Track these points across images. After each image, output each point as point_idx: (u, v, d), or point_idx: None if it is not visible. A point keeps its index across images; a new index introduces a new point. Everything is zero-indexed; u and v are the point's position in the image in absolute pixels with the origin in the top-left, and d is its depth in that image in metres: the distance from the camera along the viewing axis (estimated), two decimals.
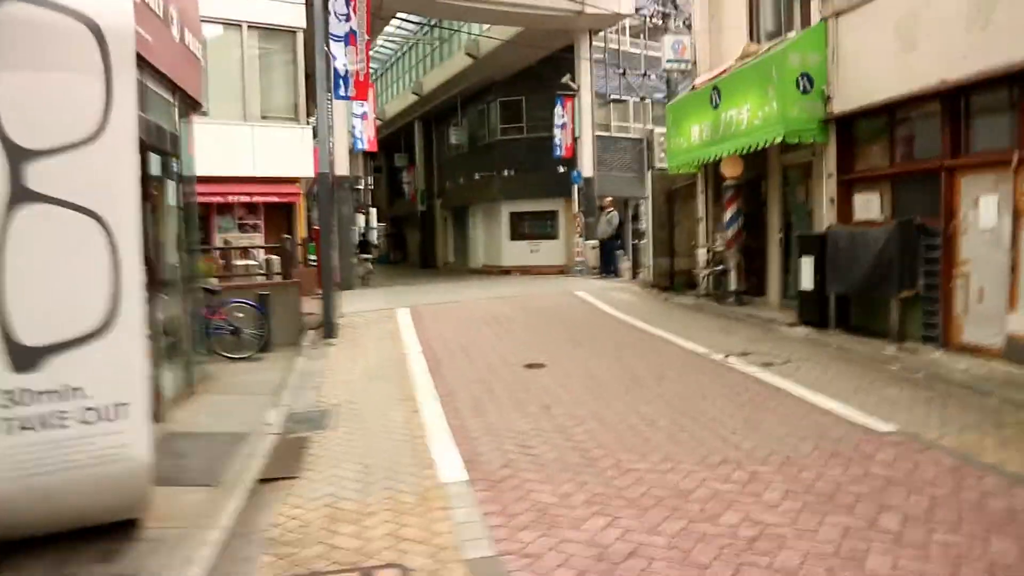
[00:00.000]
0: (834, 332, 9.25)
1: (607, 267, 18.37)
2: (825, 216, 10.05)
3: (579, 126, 21.01)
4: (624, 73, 23.42)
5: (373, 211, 29.56)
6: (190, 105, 7.36)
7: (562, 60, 24.13)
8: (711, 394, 6.53)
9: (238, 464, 4.90)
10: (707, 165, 13.34)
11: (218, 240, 14.85)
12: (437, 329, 10.26)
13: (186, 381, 6.99)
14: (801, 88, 9.78)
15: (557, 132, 21.07)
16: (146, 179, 5.27)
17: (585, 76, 20.75)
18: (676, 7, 21.33)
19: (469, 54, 24.06)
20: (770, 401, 6.27)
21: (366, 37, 11.43)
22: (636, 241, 18.40)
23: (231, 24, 14.94)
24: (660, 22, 20.80)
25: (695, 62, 13.97)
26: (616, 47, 24.53)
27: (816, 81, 9.77)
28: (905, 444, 4.95)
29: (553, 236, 25.34)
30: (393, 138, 37.27)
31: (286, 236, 10.46)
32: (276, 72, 15.73)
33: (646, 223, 23.64)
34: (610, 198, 18.84)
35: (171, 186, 6.72)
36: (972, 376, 6.71)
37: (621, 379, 7.20)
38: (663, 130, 26.89)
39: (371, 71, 37.86)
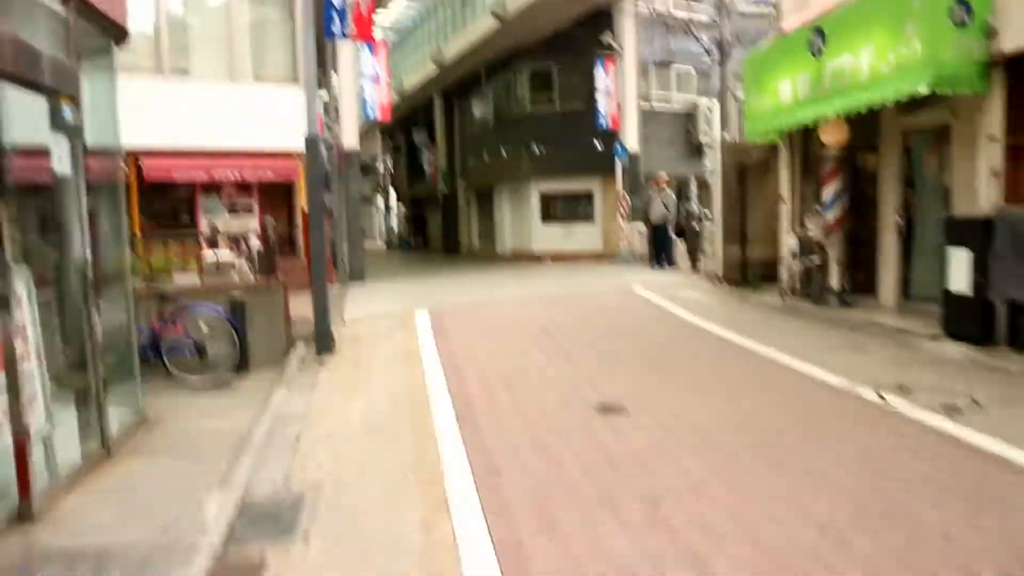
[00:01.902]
0: (1006, 352, 6.77)
1: (659, 256, 15.85)
2: (982, 194, 7.52)
3: (622, 93, 18.39)
4: (670, 31, 20.64)
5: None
6: (104, 29, 5.00)
7: (597, 23, 21.52)
8: (902, 472, 4.11)
9: None
10: (791, 133, 10.83)
11: (204, 226, 12.58)
12: (466, 344, 7.88)
13: (100, 436, 4.70)
14: (956, 19, 7.21)
15: (600, 99, 18.46)
16: None
17: (629, 35, 18.11)
18: None
19: (495, 15, 21.49)
20: (1017, 494, 3.83)
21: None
22: (693, 225, 15.88)
23: None
24: None
25: (778, 3, 11.37)
26: (656, 7, 21.89)
27: (977, 9, 7.21)
28: None
29: (589, 219, 22.86)
30: (412, 114, 34.85)
31: (267, 219, 8.07)
32: (271, 24, 13.33)
33: (699, 205, 21.18)
34: (664, 175, 16.26)
35: (62, 144, 4.37)
36: None
37: (747, 436, 4.79)
38: (708, 102, 24.48)
39: (388, 42, 35.46)
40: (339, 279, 14.40)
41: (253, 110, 12.59)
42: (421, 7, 30.74)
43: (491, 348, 7.71)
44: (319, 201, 7.16)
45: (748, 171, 12.31)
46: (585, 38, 22.04)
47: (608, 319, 9.21)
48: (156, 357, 6.88)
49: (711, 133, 23.35)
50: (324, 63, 15.24)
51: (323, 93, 16.16)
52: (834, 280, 9.79)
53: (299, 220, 13.85)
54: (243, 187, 13.17)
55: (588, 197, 22.81)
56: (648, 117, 21.38)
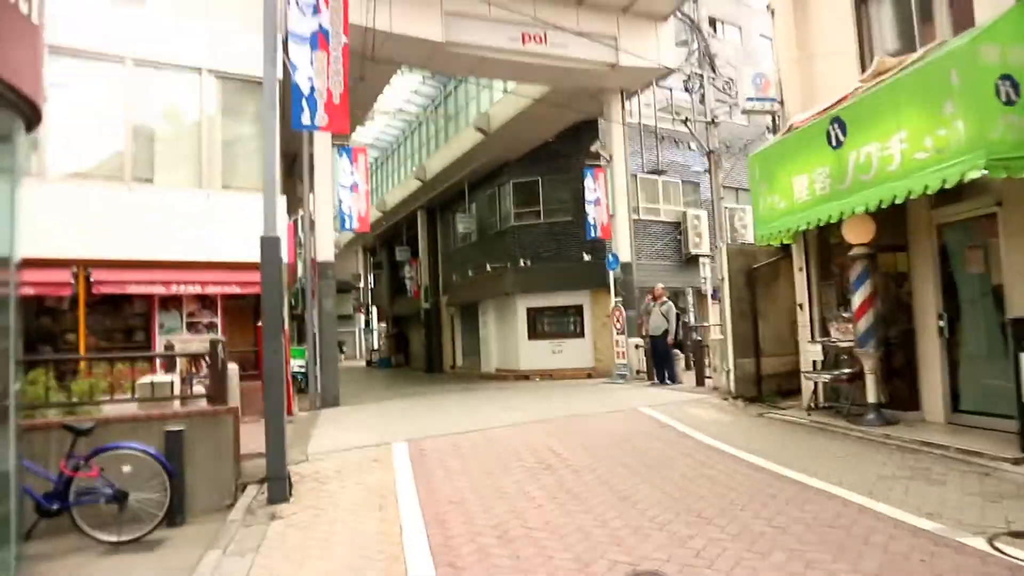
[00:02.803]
0: None
1: (661, 372, 14.62)
2: None
3: (612, 202, 17.75)
4: (661, 141, 20.33)
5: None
6: (7, 104, 3.97)
7: (582, 134, 21.32)
8: None
9: None
10: (807, 233, 9.95)
11: (159, 344, 11.27)
12: (453, 487, 6.40)
13: None
14: (1003, 97, 6.43)
15: (590, 210, 17.74)
16: None
17: (618, 144, 17.65)
18: (714, 70, 18.64)
19: (479, 129, 21.23)
20: None
21: (343, 39, 7.87)
22: (696, 338, 14.79)
23: (186, 69, 11.89)
24: (696, 86, 17.91)
25: (783, 100, 10.77)
26: (641, 121, 21.79)
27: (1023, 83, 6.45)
28: None
29: (578, 334, 21.75)
30: (394, 231, 34.36)
31: (214, 339, 6.81)
32: (244, 131, 12.58)
33: (694, 317, 20.18)
34: (661, 286, 15.30)
35: None
36: None
37: None
38: (697, 212, 24.09)
39: (371, 160, 35.45)
40: (310, 404, 13.00)
41: (219, 219, 11.61)
42: (403, 124, 30.83)
43: (483, 488, 6.28)
44: (276, 309, 5.94)
45: (757, 277, 11.35)
46: (570, 149, 21.77)
47: (619, 447, 7.83)
48: (63, 508, 5.45)
49: (702, 244, 22.87)
50: (298, 172, 14.48)
51: (300, 210, 15.34)
52: (871, 393, 8.59)
53: None
54: (206, 302, 11.98)
55: (577, 311, 21.81)
56: (638, 228, 20.77)
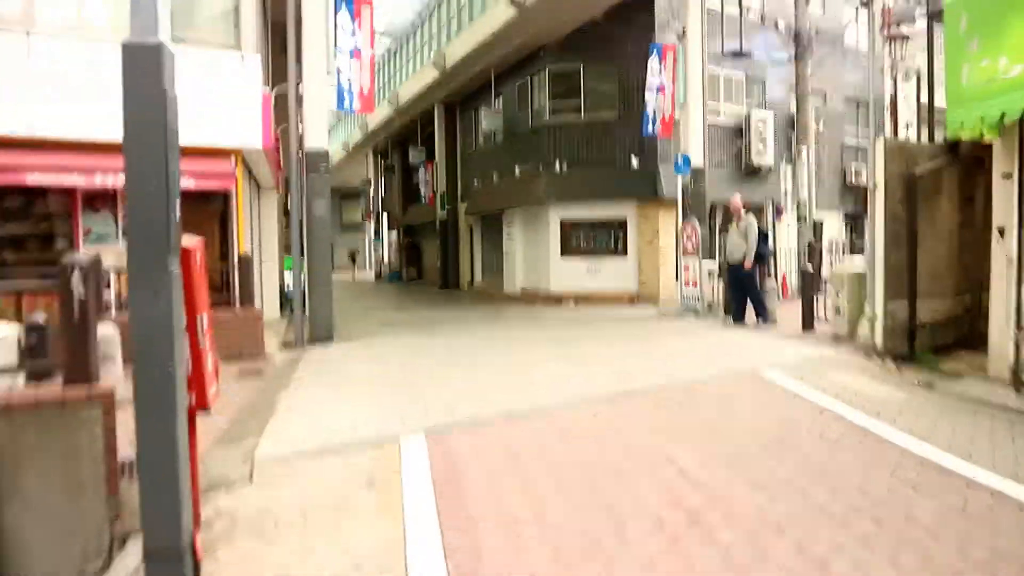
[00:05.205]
0: None
1: (741, 308, 11.45)
2: None
3: (684, 89, 14.13)
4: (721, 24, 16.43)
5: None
6: None
7: (632, 17, 17.47)
8: None
9: None
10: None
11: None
12: (516, 552, 3.46)
13: None
14: None
15: (651, 99, 14.10)
16: None
17: (694, 13, 13.85)
18: None
19: (514, 2, 17.37)
20: None
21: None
22: (806, 266, 11.53)
23: None
24: None
25: None
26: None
27: None
28: None
29: (620, 253, 18.55)
30: (409, 130, 30.69)
31: (65, 261, 3.65)
32: None
33: (773, 238, 16.80)
34: (739, 197, 11.98)
35: None
36: None
37: None
38: (762, 115, 20.36)
39: (383, 51, 31.41)
40: (295, 338, 10.02)
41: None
42: (420, 5, 26.75)
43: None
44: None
45: (918, 187, 8.02)
46: (618, 33, 17.95)
47: (784, 463, 4.53)
48: None
49: (766, 153, 19.29)
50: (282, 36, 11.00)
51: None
52: None
53: (235, 251, 9.50)
54: None
55: (620, 225, 18.54)
56: None
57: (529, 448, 5.02)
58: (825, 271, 12.86)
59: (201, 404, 3.28)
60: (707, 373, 7.36)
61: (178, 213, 3.02)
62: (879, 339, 8.01)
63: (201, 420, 3.57)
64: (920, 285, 8.09)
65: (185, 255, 3.13)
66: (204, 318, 3.35)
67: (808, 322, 9.99)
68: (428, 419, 5.73)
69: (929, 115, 9.93)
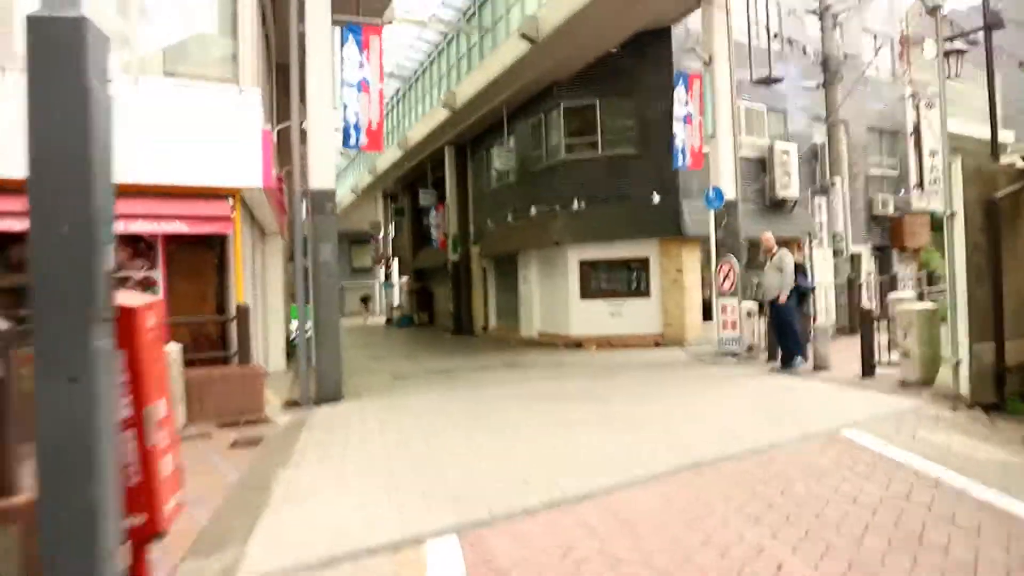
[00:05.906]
0: None
1: (788, 351, 10.45)
2: None
3: (711, 120, 13.35)
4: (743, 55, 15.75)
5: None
6: None
7: (647, 50, 16.88)
8: None
9: None
10: None
11: None
12: None
13: None
14: None
15: (679, 129, 13.30)
16: None
17: (720, 40, 13.14)
18: None
19: (525, 36, 16.78)
20: None
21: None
22: (865, 304, 10.56)
23: None
24: None
25: None
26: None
27: None
28: None
29: (643, 294, 17.64)
30: (419, 172, 30.13)
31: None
32: None
33: (810, 272, 15.86)
34: (769, 234, 11.09)
35: None
36: None
37: None
38: (786, 147, 19.60)
39: (391, 92, 31.01)
40: (301, 395, 9.07)
41: (159, 123, 7.52)
42: (428, 47, 26.36)
43: None
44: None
45: (1000, 213, 7.09)
46: (634, 66, 17.34)
47: (927, 567, 3.49)
48: None
49: (791, 185, 18.47)
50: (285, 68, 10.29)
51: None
52: None
53: (233, 299, 8.62)
54: (140, 246, 7.98)
55: (642, 264, 17.67)
56: None
57: (587, 548, 3.98)
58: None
59: (152, 528, 2.34)
60: (779, 436, 6.30)
61: (111, 262, 2.12)
62: (964, 387, 7.00)
63: (174, 517, 2.62)
64: (1006, 323, 7.12)
65: (126, 320, 2.21)
66: (159, 406, 2.43)
67: (868, 367, 8.97)
68: (459, 509, 4.68)
69: (992, 134, 9.05)
